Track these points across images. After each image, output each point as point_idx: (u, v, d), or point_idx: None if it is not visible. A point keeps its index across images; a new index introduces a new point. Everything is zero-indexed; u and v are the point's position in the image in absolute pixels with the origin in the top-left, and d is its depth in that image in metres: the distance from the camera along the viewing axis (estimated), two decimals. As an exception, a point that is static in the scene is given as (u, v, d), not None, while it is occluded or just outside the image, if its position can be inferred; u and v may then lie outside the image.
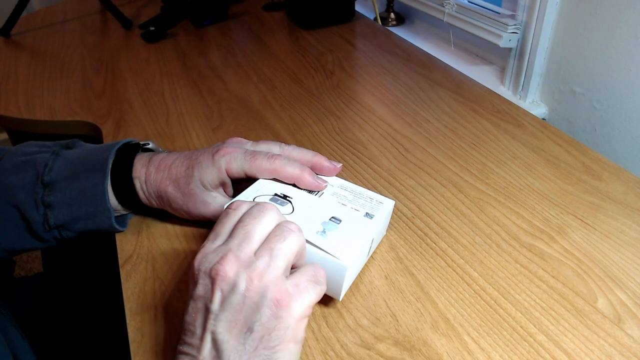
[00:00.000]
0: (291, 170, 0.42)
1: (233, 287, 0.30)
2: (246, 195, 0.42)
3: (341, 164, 0.46)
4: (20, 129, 0.74)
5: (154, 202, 0.47)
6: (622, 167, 0.51)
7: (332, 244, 0.37)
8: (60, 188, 0.44)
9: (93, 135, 0.70)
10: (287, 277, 0.33)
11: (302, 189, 0.43)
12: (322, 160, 0.45)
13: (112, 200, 0.46)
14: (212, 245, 0.33)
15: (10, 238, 0.46)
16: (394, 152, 0.57)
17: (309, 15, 0.93)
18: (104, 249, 0.61)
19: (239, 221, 0.34)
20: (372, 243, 0.41)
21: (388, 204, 0.43)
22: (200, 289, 0.31)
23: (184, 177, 0.44)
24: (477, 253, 0.44)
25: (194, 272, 0.32)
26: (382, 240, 0.45)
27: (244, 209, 0.35)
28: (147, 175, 0.45)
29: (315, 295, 0.33)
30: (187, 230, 0.49)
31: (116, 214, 0.47)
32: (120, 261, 0.46)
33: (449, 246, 0.44)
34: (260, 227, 0.33)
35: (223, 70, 0.81)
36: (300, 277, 0.33)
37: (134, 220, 0.50)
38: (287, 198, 0.42)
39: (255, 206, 0.34)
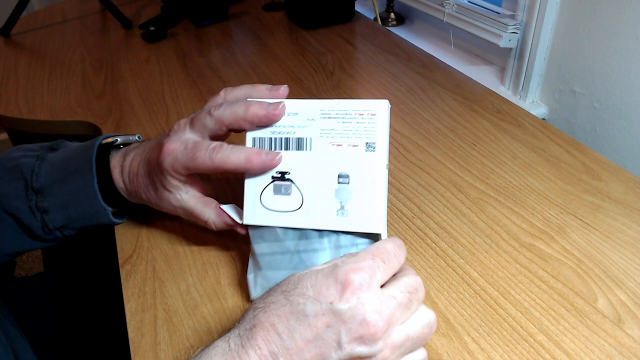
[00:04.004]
0: (236, 158, 0.38)
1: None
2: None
3: (285, 86, 0.41)
4: (20, 129, 0.74)
5: (136, 184, 0.44)
6: (622, 167, 0.51)
7: (358, 220, 0.36)
8: (51, 193, 0.44)
9: (93, 135, 0.70)
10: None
11: (289, 150, 0.38)
12: (263, 91, 0.41)
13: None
14: (391, 299, 0.29)
15: (12, 244, 0.47)
16: (394, 152, 0.57)
17: (309, 15, 0.93)
18: (104, 249, 0.61)
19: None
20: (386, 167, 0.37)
21: (382, 108, 0.37)
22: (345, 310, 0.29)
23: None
24: (477, 253, 0.44)
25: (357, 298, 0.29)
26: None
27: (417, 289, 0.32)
28: (122, 166, 0.45)
29: None
30: (188, 230, 0.49)
31: (113, 210, 0.47)
32: (120, 261, 0.46)
33: (449, 246, 0.44)
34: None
35: (223, 70, 0.81)
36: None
37: (134, 220, 0.50)
38: (286, 176, 0.38)
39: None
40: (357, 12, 0.98)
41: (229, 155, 0.38)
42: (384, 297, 0.29)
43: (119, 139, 0.49)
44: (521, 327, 0.37)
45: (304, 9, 0.93)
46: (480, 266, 0.42)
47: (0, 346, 0.41)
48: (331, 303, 0.28)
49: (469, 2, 0.89)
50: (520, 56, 0.80)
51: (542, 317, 0.38)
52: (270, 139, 0.39)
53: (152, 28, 0.95)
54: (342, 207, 0.37)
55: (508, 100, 0.65)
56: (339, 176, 0.37)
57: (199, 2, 0.98)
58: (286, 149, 0.39)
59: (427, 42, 1.02)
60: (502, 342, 0.36)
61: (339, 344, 0.28)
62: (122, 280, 0.44)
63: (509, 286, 0.40)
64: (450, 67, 0.76)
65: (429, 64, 0.77)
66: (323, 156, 0.38)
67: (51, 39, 1.00)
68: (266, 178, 0.39)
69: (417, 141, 0.59)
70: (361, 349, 0.28)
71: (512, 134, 0.58)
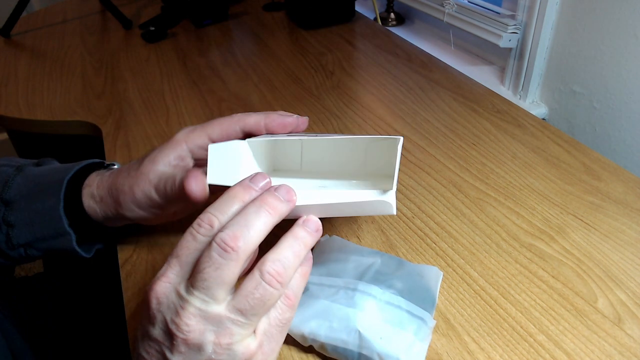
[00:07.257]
0: (255, 116, 0.39)
1: (198, 349, 0.27)
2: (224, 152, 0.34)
3: (306, 118, 0.41)
4: (20, 129, 0.74)
5: (106, 209, 0.42)
6: (622, 167, 0.51)
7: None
8: (19, 208, 0.42)
9: (93, 135, 0.70)
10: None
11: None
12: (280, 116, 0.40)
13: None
14: (175, 278, 0.28)
15: None
16: (394, 152, 0.57)
17: (309, 15, 0.93)
18: (104, 249, 0.61)
19: (204, 259, 0.27)
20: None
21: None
22: (158, 333, 0.27)
23: (136, 162, 0.41)
24: (477, 253, 0.44)
25: (151, 309, 0.28)
26: (382, 241, 0.45)
27: (211, 230, 0.29)
28: (100, 180, 0.42)
29: (282, 340, 0.30)
30: (187, 230, 0.49)
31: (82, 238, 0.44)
32: (120, 261, 0.46)
33: (449, 246, 0.44)
34: (232, 272, 0.27)
35: (223, 70, 0.81)
36: (268, 323, 0.29)
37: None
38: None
39: (221, 244, 0.27)
40: (357, 12, 0.98)
41: (246, 115, 0.39)
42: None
43: (116, 165, 0.46)
44: (521, 327, 0.37)
45: (304, 9, 0.93)
46: (480, 266, 0.42)
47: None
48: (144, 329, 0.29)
49: (469, 2, 0.90)
50: (520, 56, 0.80)
51: (542, 317, 0.38)
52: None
53: (152, 28, 0.95)
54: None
55: (508, 100, 0.65)
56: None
57: (199, 2, 0.98)
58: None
59: (427, 42, 1.02)
60: (502, 342, 0.36)
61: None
62: (122, 280, 0.44)
63: (509, 286, 0.40)
64: (450, 67, 0.76)
65: (429, 64, 0.77)
66: (331, 136, 0.39)
67: (51, 39, 1.00)
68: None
69: (417, 141, 0.59)
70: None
71: (512, 134, 0.58)
